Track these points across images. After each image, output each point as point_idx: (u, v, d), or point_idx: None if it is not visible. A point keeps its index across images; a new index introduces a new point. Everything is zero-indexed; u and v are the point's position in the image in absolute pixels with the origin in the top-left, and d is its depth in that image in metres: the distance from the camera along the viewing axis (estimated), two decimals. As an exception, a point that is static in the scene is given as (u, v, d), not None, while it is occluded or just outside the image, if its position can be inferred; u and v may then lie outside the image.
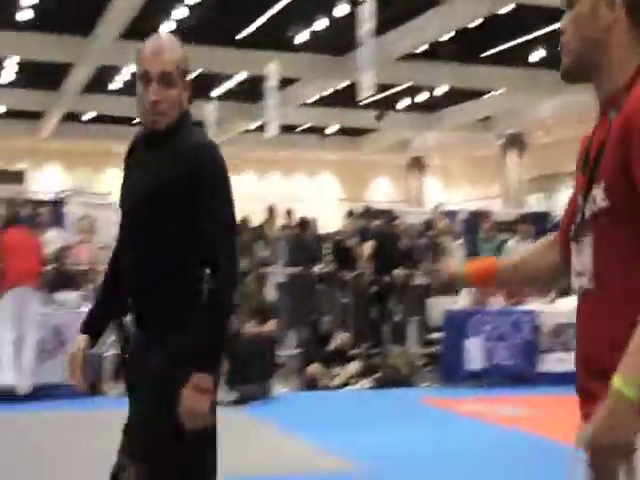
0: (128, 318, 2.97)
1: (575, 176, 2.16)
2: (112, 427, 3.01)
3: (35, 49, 16.94)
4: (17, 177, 22.66)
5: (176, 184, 2.78)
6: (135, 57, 2.90)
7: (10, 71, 19.56)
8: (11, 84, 20.56)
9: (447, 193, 27.91)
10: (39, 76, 19.68)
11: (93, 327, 3.06)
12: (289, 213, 13.89)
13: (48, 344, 9.05)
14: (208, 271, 2.81)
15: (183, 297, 2.82)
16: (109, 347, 9.71)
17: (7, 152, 25.29)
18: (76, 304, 9.46)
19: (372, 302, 11.39)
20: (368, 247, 11.59)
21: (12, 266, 8.97)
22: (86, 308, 9.67)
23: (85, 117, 23.82)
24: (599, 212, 1.99)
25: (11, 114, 23.40)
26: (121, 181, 3.01)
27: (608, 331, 1.94)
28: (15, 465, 6.37)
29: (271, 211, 13.87)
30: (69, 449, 6.88)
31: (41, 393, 8.82)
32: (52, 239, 11.38)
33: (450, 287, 2.76)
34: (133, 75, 19.17)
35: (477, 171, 27.61)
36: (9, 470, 6.20)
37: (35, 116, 23.33)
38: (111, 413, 8.10)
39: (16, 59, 18.45)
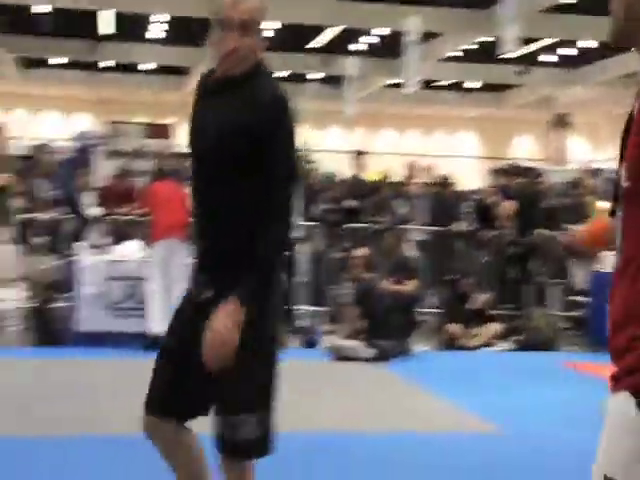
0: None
1: None
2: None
3: (182, 6, 17.16)
4: (165, 131, 23.15)
5: (255, 128, 2.80)
6: (214, 5, 2.92)
7: (160, 28, 19.93)
8: (160, 41, 20.96)
9: (592, 151, 26.96)
10: (186, 32, 19.97)
11: None
12: (429, 170, 13.66)
13: (194, 294, 9.23)
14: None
15: (251, 243, 2.82)
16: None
17: (156, 107, 25.87)
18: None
19: (512, 262, 11.08)
20: (509, 206, 11.26)
21: (160, 218, 9.14)
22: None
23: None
24: (624, 191, 1.96)
25: (160, 70, 23.90)
26: (190, 125, 2.99)
27: (619, 311, 1.94)
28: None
29: (411, 168, 13.67)
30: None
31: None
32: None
33: (574, 250, 2.88)
34: (275, 31, 19.21)
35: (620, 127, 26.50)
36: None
37: (182, 72, 23.74)
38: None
39: (165, 17, 18.77)
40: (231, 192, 2.85)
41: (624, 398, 1.88)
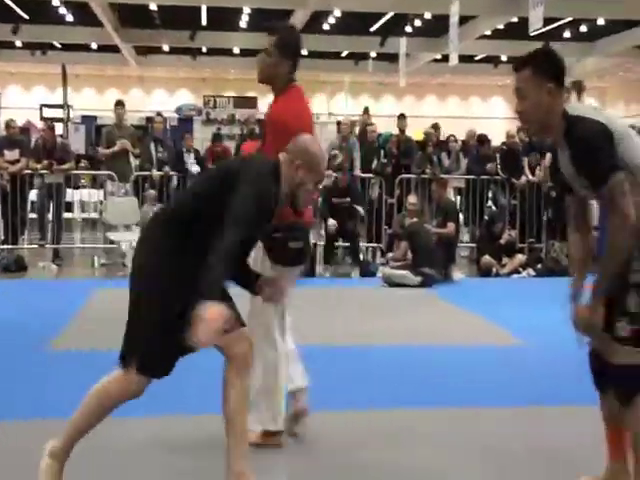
0: None
1: None
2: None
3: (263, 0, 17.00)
4: (251, 102, 23.08)
5: None
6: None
7: (244, 18, 19.74)
8: (246, 29, 20.77)
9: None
10: (266, 21, 19.71)
11: None
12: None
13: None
14: None
15: None
16: (320, 238, 9.84)
17: (242, 83, 25.77)
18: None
19: (548, 205, 10.68)
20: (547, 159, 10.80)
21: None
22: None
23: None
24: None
25: (245, 53, 23.75)
26: None
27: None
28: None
29: (435, 128, 13.03)
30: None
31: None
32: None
33: None
34: (339, 18, 18.85)
35: (631, 91, 25.55)
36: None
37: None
38: (322, 290, 8.03)
39: (248, 9, 18.58)
40: None
41: None
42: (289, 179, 2.89)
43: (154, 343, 2.77)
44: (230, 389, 2.90)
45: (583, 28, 19.75)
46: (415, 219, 9.46)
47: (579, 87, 26.53)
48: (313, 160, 2.92)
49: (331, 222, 9.55)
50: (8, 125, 10.66)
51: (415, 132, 13.22)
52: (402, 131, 11.84)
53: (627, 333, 2.71)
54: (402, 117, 11.95)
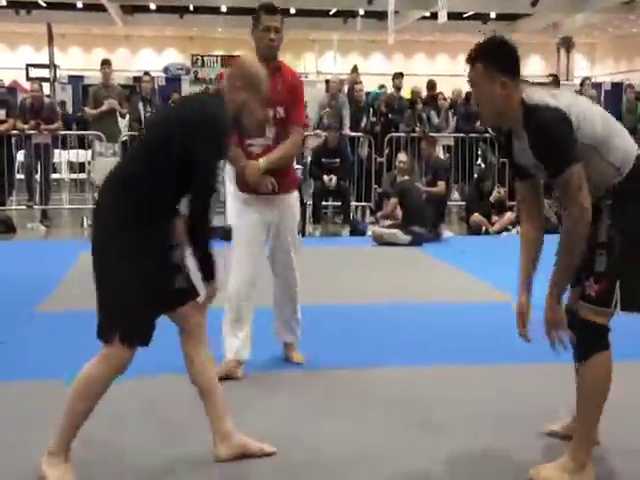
0: None
1: None
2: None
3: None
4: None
5: None
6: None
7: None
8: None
9: (590, 67, 25.81)
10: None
11: None
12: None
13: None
14: None
15: None
16: (310, 197, 9.74)
17: (230, 42, 25.30)
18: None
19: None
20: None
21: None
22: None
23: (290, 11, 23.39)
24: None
25: (233, 11, 23.32)
26: None
27: None
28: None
29: (431, 85, 12.94)
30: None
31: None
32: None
33: None
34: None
35: (620, 47, 25.29)
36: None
37: (251, 12, 23.08)
38: (312, 249, 8.02)
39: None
40: None
41: None
42: (232, 104, 2.81)
43: (134, 316, 2.70)
44: (192, 362, 2.89)
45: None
46: (406, 177, 9.36)
47: (568, 44, 26.36)
48: (252, 78, 2.85)
49: (328, 179, 9.58)
50: (-6, 85, 10.44)
51: (405, 91, 13.05)
52: (398, 89, 11.69)
53: (594, 292, 2.73)
54: (399, 75, 11.79)
